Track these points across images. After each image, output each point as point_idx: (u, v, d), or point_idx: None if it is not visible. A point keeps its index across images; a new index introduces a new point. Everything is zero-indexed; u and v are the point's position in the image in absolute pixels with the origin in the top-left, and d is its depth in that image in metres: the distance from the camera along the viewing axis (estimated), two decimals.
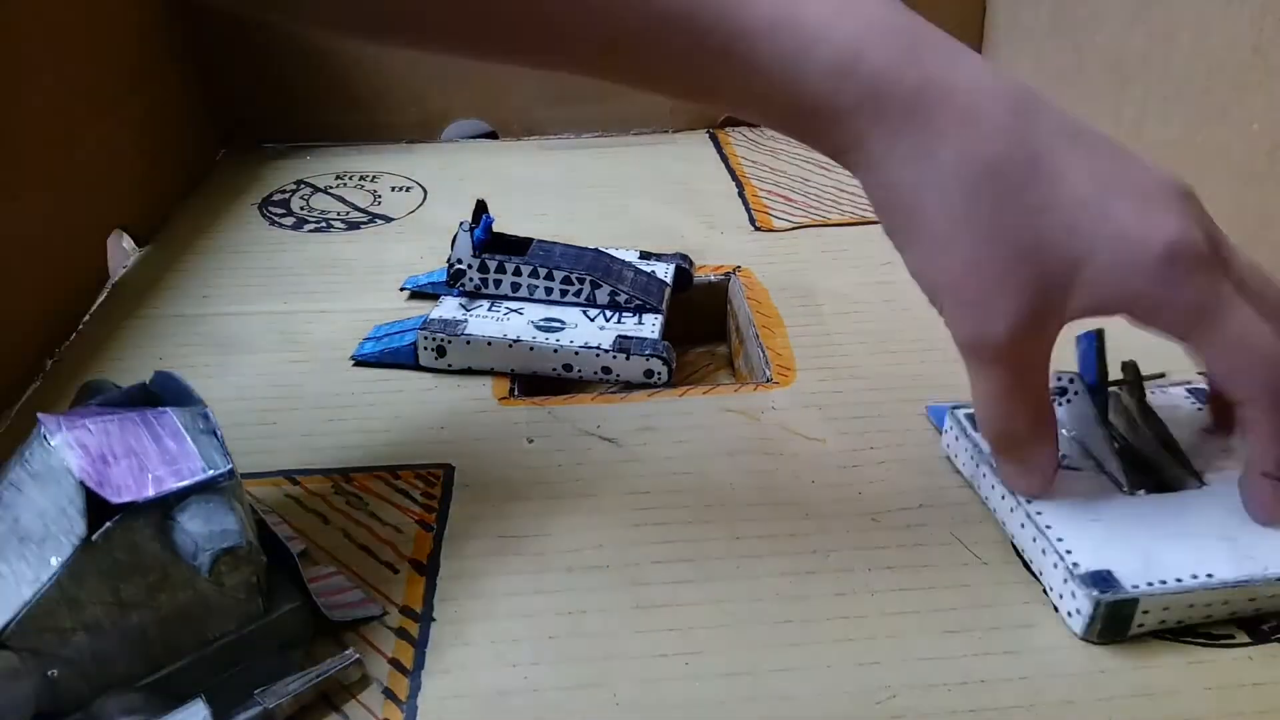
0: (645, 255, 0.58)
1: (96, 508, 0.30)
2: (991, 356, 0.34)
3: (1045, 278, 0.32)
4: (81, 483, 0.30)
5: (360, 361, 0.52)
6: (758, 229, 0.66)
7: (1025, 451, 0.37)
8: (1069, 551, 0.36)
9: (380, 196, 0.72)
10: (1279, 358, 0.34)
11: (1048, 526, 0.37)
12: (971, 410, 0.41)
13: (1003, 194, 0.32)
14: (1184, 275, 0.32)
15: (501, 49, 0.36)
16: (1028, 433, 0.36)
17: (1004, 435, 0.37)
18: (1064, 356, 0.38)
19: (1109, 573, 0.35)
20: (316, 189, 0.73)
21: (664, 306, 0.54)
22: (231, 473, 0.33)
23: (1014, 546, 0.39)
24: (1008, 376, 0.35)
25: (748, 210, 0.68)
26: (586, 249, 0.56)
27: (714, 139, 0.81)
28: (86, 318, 0.57)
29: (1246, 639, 0.36)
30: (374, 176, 0.75)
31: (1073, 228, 0.32)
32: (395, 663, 0.35)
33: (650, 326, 0.52)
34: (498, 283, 0.54)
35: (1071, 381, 0.41)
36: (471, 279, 0.54)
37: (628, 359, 0.50)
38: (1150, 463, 0.41)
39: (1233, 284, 0.34)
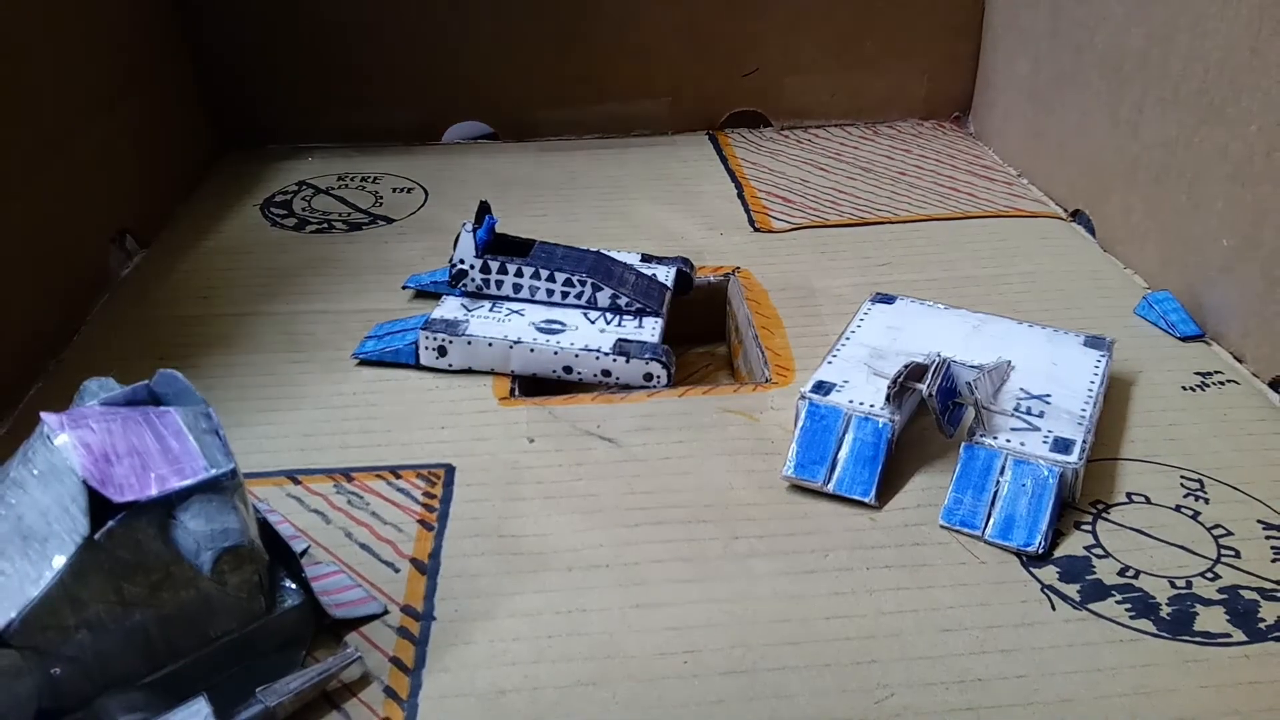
0: (647, 258, 0.58)
1: (99, 506, 0.30)
2: None
3: None
4: (85, 481, 0.30)
5: (362, 360, 0.52)
6: (757, 230, 0.66)
7: None
8: None
9: (381, 197, 0.72)
10: None
11: None
12: None
13: None
14: None
15: None
16: None
17: None
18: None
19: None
20: (318, 190, 0.73)
21: (664, 310, 0.54)
22: (234, 472, 0.33)
23: None
24: None
25: (747, 211, 0.69)
26: (588, 251, 0.56)
27: (714, 140, 0.81)
28: (89, 318, 0.57)
29: (1244, 638, 0.36)
30: (375, 177, 0.75)
31: None
32: (396, 661, 0.36)
33: (650, 330, 0.52)
34: (499, 284, 0.54)
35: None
36: (474, 279, 0.54)
37: (627, 362, 0.50)
38: None
39: None
